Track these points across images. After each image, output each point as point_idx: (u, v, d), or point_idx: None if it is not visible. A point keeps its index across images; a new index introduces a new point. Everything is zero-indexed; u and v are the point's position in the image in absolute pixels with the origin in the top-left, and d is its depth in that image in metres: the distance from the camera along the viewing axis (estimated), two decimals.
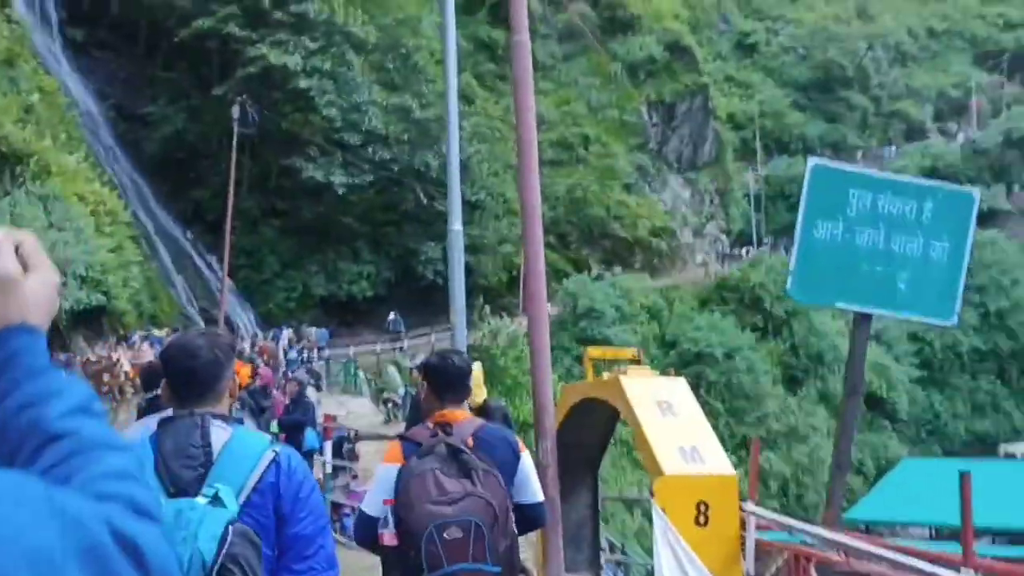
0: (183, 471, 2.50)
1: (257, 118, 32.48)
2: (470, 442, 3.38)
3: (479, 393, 9.81)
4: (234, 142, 30.68)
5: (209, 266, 37.16)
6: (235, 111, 30.48)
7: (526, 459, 3.57)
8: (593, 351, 8.57)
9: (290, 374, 19.21)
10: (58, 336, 23.34)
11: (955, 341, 52.34)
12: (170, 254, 36.90)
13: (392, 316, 37.17)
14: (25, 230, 1.08)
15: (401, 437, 3.68)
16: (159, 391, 3.37)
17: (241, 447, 2.60)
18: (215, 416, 2.64)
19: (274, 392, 11.17)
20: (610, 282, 44.30)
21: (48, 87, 31.92)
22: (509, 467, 3.42)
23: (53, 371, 1.03)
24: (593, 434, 7.70)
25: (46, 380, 1.01)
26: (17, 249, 1.04)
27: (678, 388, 6.11)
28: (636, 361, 7.40)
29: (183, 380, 2.64)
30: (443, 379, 3.70)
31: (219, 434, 2.59)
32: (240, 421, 2.81)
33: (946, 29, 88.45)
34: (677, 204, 58.13)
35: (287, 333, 31.72)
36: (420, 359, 8.88)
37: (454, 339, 7.63)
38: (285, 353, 28.79)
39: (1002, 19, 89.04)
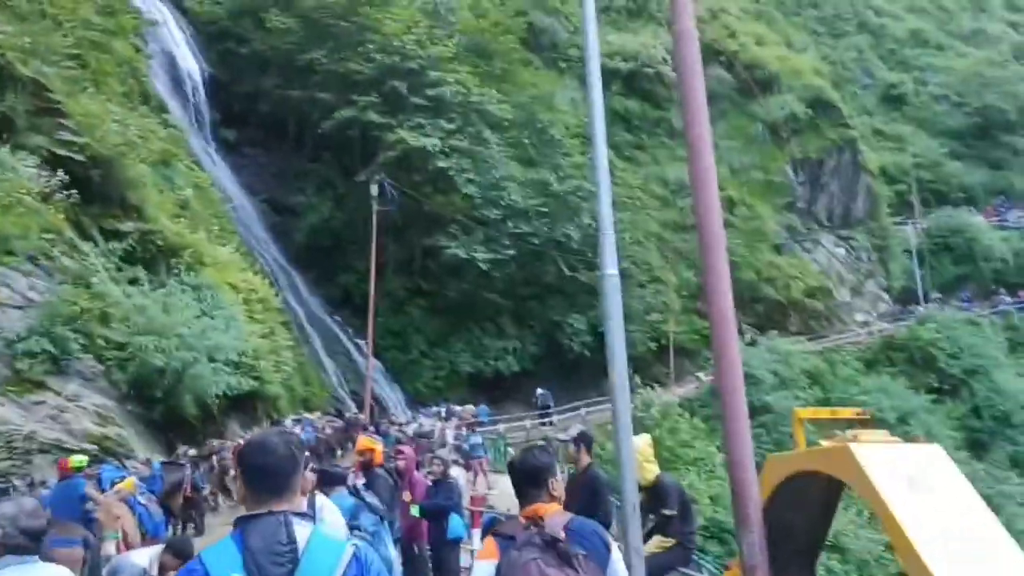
0: (273, 568, 2.62)
1: (396, 194, 32.71)
2: (562, 534, 3.38)
3: (649, 469, 8.62)
4: (374, 220, 30.83)
5: (359, 349, 37.38)
6: (374, 189, 30.80)
7: (616, 554, 3.53)
8: (803, 412, 7.21)
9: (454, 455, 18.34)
10: (212, 422, 23.56)
11: None
12: (321, 339, 37.35)
13: (540, 391, 36.38)
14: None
15: (494, 532, 3.65)
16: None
17: (323, 544, 2.75)
18: (294, 514, 2.74)
19: (416, 474, 10.41)
20: (767, 346, 42.16)
21: (202, 183, 33.21)
22: (601, 560, 3.40)
23: None
24: (808, 519, 6.05)
25: None
26: None
27: (934, 457, 4.71)
28: (865, 423, 5.98)
29: (260, 476, 2.71)
30: (523, 475, 3.73)
31: (302, 532, 2.72)
32: (312, 518, 2.96)
33: None
34: (831, 263, 55.36)
35: (439, 412, 31.19)
36: (574, 431, 7.87)
37: (614, 402, 6.61)
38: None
39: None
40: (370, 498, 7.74)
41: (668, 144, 54.16)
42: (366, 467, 9.18)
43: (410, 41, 39.39)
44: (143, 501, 11.31)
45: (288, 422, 25.33)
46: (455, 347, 38.78)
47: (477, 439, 24.33)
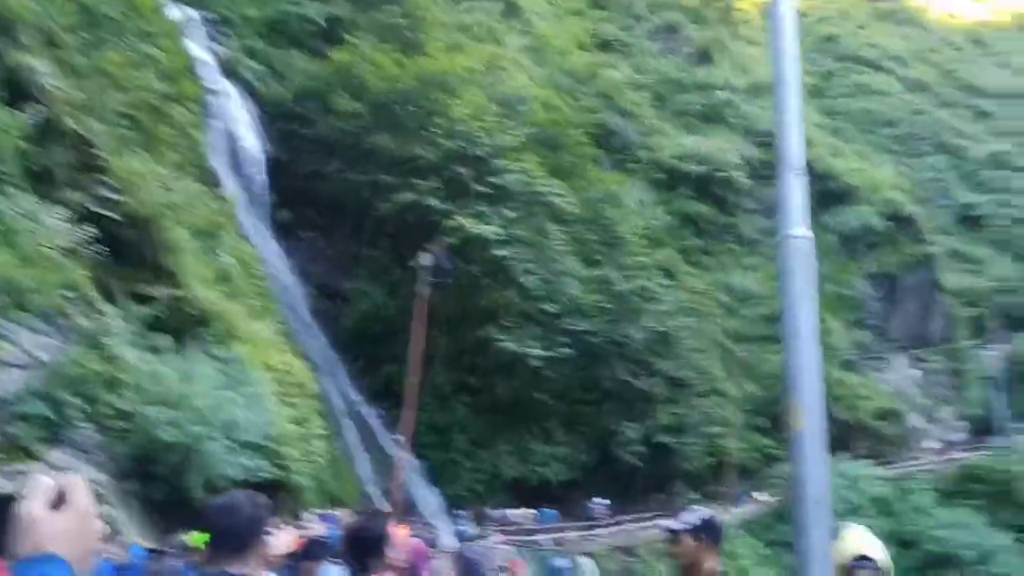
0: None
1: (452, 265, 30.85)
2: None
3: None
4: (423, 300, 28.91)
5: (397, 444, 35.23)
6: (426, 258, 28.87)
7: None
8: None
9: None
10: None
11: None
12: (358, 431, 35.33)
13: (597, 500, 34.05)
14: (75, 474, 1.40)
15: None
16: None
17: None
18: None
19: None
20: (835, 469, 38.92)
21: (247, 256, 31.98)
22: None
23: None
24: None
25: None
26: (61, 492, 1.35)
27: None
28: None
29: (222, 536, 2.77)
30: (358, 543, 3.73)
31: None
32: None
33: None
34: (904, 385, 52.01)
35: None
36: (692, 516, 5.00)
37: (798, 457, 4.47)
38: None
39: None
40: None
41: (735, 251, 52.22)
42: None
43: (477, 127, 38.51)
44: None
45: (312, 517, 23.15)
46: (499, 449, 36.42)
47: (564, 562, 21.69)
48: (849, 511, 36.51)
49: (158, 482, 17.64)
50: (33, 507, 1.33)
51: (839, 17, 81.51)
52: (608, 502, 35.21)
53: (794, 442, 4.38)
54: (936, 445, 48.67)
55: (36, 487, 1.36)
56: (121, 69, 26.33)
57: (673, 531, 4.94)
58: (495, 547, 20.95)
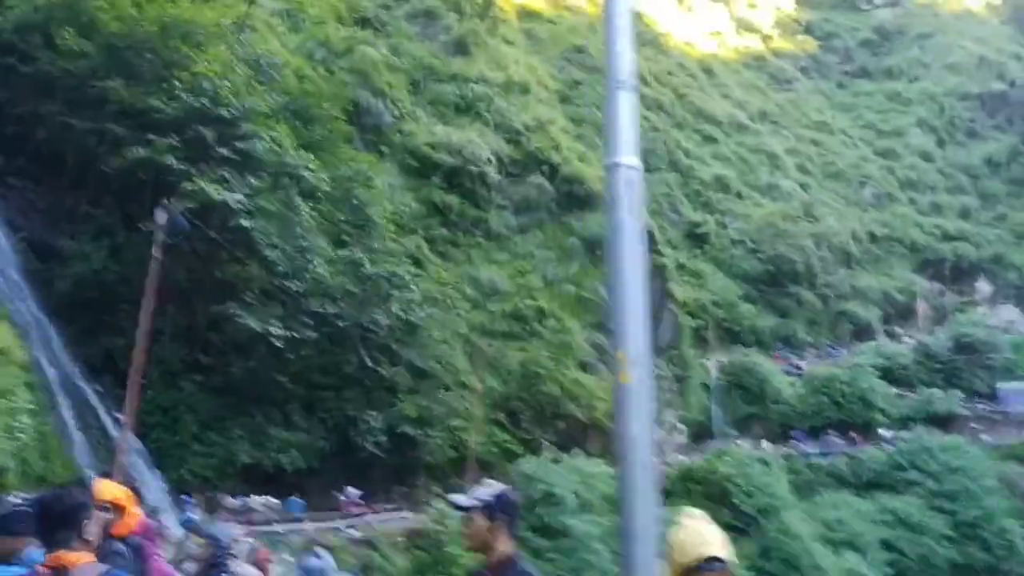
0: None
1: (189, 227, 27.96)
2: None
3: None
4: (158, 264, 25.91)
5: (117, 423, 31.59)
6: (161, 216, 25.93)
7: None
8: None
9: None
10: None
11: (930, 551, 48.63)
12: (74, 408, 31.29)
13: (352, 490, 33.78)
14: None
15: None
16: None
17: None
18: None
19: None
20: (569, 466, 39.85)
21: None
22: None
23: None
24: None
25: None
26: None
27: None
28: None
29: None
30: (51, 516, 3.54)
31: None
32: None
33: (887, 235, 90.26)
34: None
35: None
36: (484, 492, 4.03)
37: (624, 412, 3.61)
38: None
39: (939, 230, 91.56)
40: None
41: (484, 245, 52.37)
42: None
43: (224, 88, 35.53)
44: None
45: (8, 500, 19.84)
46: (233, 433, 33.73)
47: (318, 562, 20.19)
48: (582, 507, 37.53)
49: None
50: None
51: (588, 30, 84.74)
52: (361, 493, 33.69)
53: (618, 397, 3.86)
54: (660, 448, 51.29)
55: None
56: None
57: (463, 508, 4.30)
58: (236, 539, 18.97)
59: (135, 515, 6.36)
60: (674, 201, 75.58)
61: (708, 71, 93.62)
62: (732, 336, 68.27)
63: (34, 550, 4.64)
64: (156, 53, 36.24)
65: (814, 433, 58.46)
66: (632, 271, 3.82)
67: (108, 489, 6.18)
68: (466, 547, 4.40)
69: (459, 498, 4.32)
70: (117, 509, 5.99)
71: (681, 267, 69.63)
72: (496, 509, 4.28)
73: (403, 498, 37.91)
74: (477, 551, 4.33)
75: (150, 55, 36.14)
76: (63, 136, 35.89)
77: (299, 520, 31.17)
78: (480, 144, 54.56)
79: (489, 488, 4.33)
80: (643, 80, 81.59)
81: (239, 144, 35.58)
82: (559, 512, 36.41)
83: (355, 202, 41.46)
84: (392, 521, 34.72)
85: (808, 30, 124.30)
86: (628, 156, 3.93)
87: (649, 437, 3.70)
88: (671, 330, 58.52)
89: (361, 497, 35.13)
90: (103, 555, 5.39)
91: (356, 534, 30.69)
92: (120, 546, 5.85)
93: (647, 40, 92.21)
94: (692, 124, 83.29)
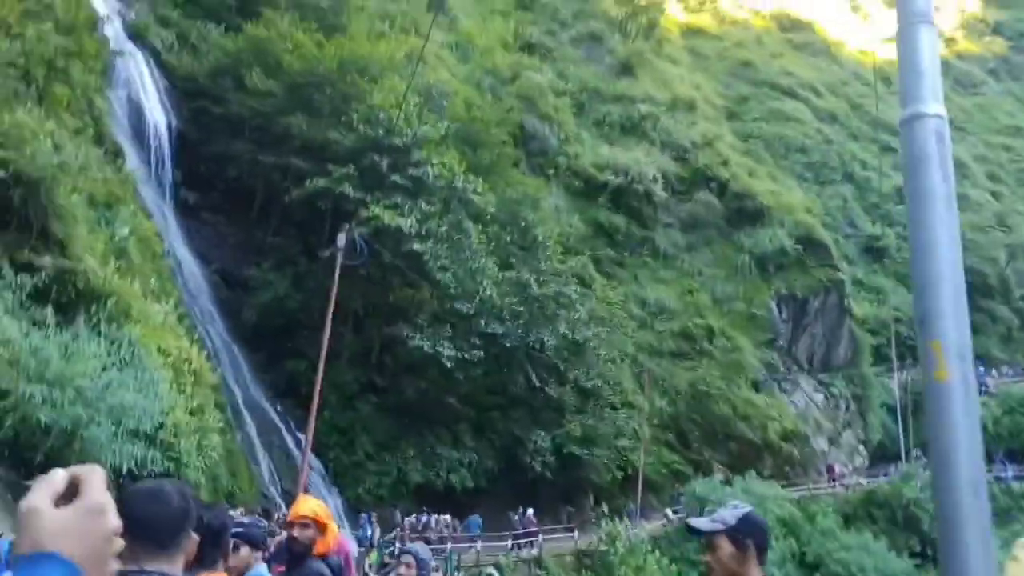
0: None
1: (368, 249, 29.16)
2: None
3: None
4: (335, 286, 27.13)
5: (299, 444, 33.32)
6: (340, 239, 27.10)
7: None
8: None
9: None
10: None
11: None
12: (258, 428, 33.24)
13: (528, 510, 33.84)
14: (94, 467, 1.22)
15: None
16: None
17: None
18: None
19: None
20: (742, 487, 38.69)
21: (147, 234, 29.70)
22: None
23: None
24: None
25: None
26: (72, 485, 1.18)
27: None
28: None
29: (141, 528, 2.36)
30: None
31: None
32: None
33: None
34: (809, 408, 52.46)
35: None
36: (728, 514, 3.36)
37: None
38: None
39: None
40: None
41: (651, 265, 51.92)
42: (297, 553, 5.48)
43: (397, 117, 36.94)
44: None
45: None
46: (406, 453, 34.79)
47: None
48: None
49: (35, 469, 15.63)
50: (35, 500, 1.15)
51: (755, 44, 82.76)
52: (532, 511, 33.99)
53: (933, 397, 3.03)
54: (839, 470, 49.09)
55: (44, 479, 1.17)
56: (11, 14, 23.95)
57: (704, 533, 3.47)
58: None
59: (335, 533, 5.84)
60: (850, 214, 72.40)
61: (885, 79, 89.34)
62: (915, 354, 64.49)
63: (262, 567, 4.69)
64: (335, 88, 38.18)
65: (1011, 456, 54.31)
66: (946, 243, 3.11)
67: (308, 504, 5.72)
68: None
69: (699, 521, 3.55)
70: (318, 526, 5.50)
71: (859, 283, 66.49)
72: (743, 533, 3.47)
73: (570, 518, 37.92)
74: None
75: (329, 90, 38.10)
76: (252, 172, 38.39)
77: (475, 539, 31.66)
78: (646, 163, 54.28)
79: (733, 509, 3.62)
80: (815, 91, 79.00)
81: (411, 171, 36.88)
82: None
83: (522, 224, 42.11)
84: (561, 541, 34.79)
85: (996, 30, 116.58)
86: (933, 104, 3.24)
87: (978, 448, 2.89)
88: (850, 348, 56.01)
89: (535, 516, 35.33)
90: (301, 572, 5.49)
91: (527, 553, 30.94)
92: (322, 566, 5.42)
93: (819, 50, 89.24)
94: (868, 134, 79.61)
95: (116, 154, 32.38)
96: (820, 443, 51.66)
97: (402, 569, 6.71)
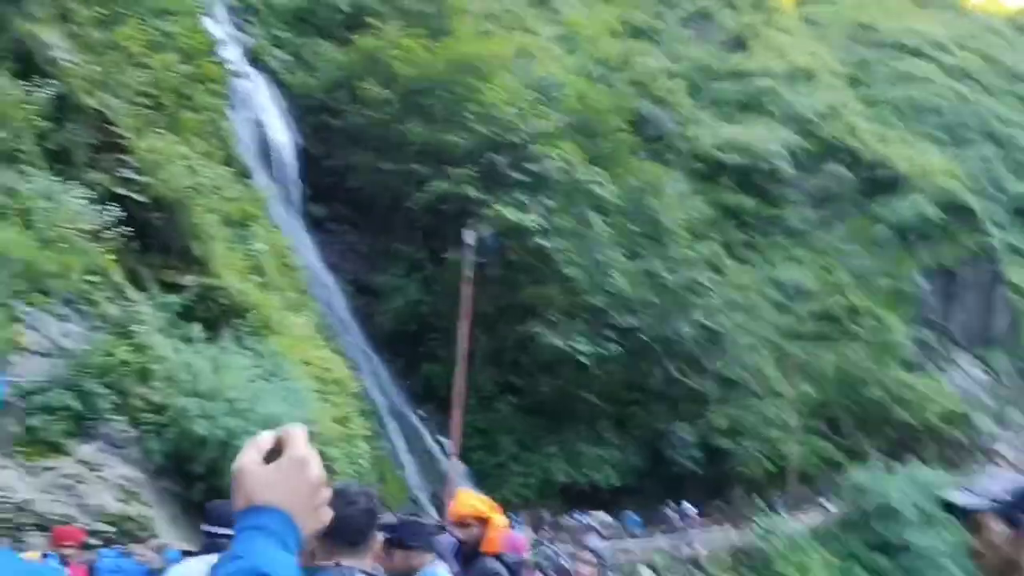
0: None
1: (497, 244, 28.78)
2: None
3: None
4: (469, 284, 26.76)
5: (441, 447, 33.24)
6: (467, 236, 26.72)
7: None
8: None
9: None
10: None
11: None
12: (402, 433, 33.36)
13: (686, 504, 33.24)
14: (296, 425, 1.29)
15: None
16: None
17: None
18: (363, 572, 2.61)
19: None
20: (905, 476, 36.44)
21: (281, 248, 30.12)
22: None
23: (278, 553, 1.18)
24: None
25: (267, 557, 1.16)
26: (278, 444, 1.26)
27: None
28: None
29: (335, 527, 2.08)
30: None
31: None
32: None
33: None
34: (969, 387, 49.30)
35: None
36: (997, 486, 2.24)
37: None
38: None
39: None
40: None
41: (783, 244, 49.91)
42: (468, 551, 5.06)
43: (512, 113, 36.59)
44: None
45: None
46: (548, 452, 34.27)
47: None
48: (923, 521, 34.16)
49: (195, 480, 15.75)
50: (244, 459, 1.25)
51: (874, 5, 79.02)
52: (696, 509, 32.98)
53: None
54: (1009, 451, 45.86)
55: (252, 441, 1.27)
56: (139, 45, 24.52)
57: (966, 511, 2.68)
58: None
59: (501, 528, 5.34)
60: (995, 175, 67.83)
61: (1020, 28, 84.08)
62: None
63: (439, 567, 4.28)
64: (447, 90, 38.11)
65: None
66: None
67: (467, 501, 5.38)
68: (980, 566, 2.74)
69: (961, 495, 2.75)
70: (481, 523, 5.13)
71: (1012, 248, 62.06)
72: (1020, 510, 2.69)
73: (721, 513, 36.58)
74: (995, 572, 2.81)
75: (442, 93, 38.07)
76: (373, 180, 38.62)
77: (633, 536, 30.83)
78: (769, 139, 52.31)
79: (1002, 480, 2.67)
80: (942, 47, 74.66)
81: (530, 166, 36.43)
82: (898, 527, 33.53)
83: (647, 212, 41.12)
84: (715, 538, 33.54)
85: None
86: None
87: None
88: (1007, 318, 52.46)
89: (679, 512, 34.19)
90: (475, 571, 4.95)
91: (685, 550, 29.88)
92: (496, 564, 5.02)
93: (945, 3, 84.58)
94: (1006, 88, 74.72)
95: (244, 173, 33.07)
96: (985, 423, 48.36)
97: (584, 568, 6.35)
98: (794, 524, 33.93)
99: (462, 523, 5.10)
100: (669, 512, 32.90)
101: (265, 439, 1.27)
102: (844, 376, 43.56)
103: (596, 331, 35.58)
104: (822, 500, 38.36)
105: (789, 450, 38.02)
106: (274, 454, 1.25)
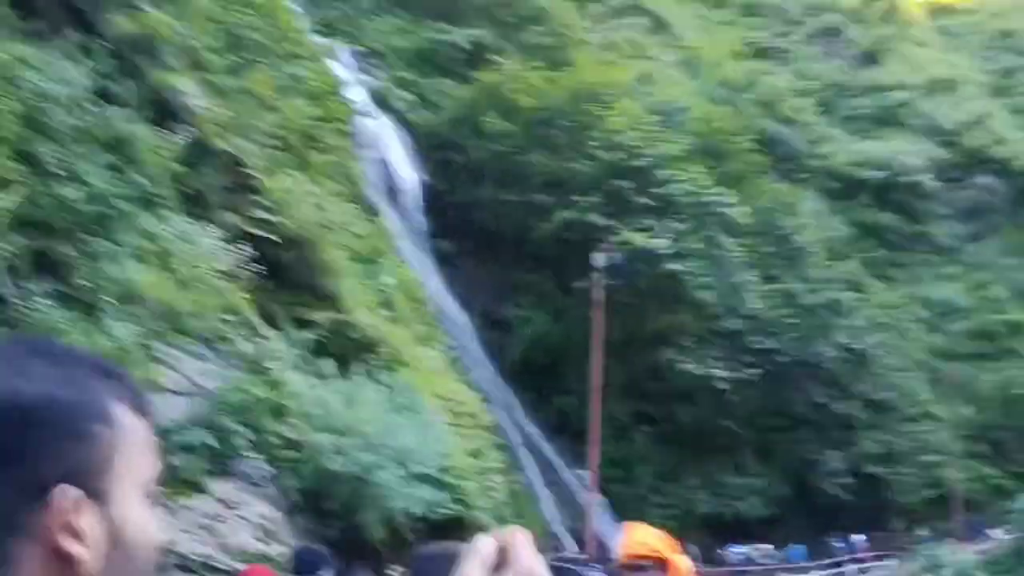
0: None
1: (627, 265, 28.09)
2: None
3: None
4: (601, 309, 26.10)
5: (578, 480, 32.53)
6: (597, 259, 26.10)
7: None
8: None
9: None
10: (405, 549, 19.17)
11: None
12: (537, 466, 32.84)
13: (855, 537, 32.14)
14: (517, 528, 1.11)
15: None
16: None
17: None
18: None
19: None
20: None
21: (409, 283, 30.23)
22: None
23: None
24: None
25: None
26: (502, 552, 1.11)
27: None
28: None
29: None
30: None
31: None
32: None
33: None
34: None
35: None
36: None
37: None
38: None
39: None
40: None
41: (931, 261, 47.29)
42: None
43: (636, 138, 35.95)
44: None
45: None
46: (689, 482, 33.07)
47: None
48: None
49: (332, 518, 15.56)
50: (469, 572, 1.07)
51: (1014, 10, 74.82)
52: (864, 537, 31.20)
53: None
54: None
55: (472, 548, 1.09)
56: (268, 90, 25.20)
57: None
58: None
59: (685, 572, 4.58)
60: None
61: None
62: None
63: None
64: (569, 119, 37.87)
65: None
66: None
67: (642, 539, 4.41)
68: None
69: None
70: (659, 564, 4.20)
71: None
72: None
73: (878, 544, 34.39)
74: None
75: (564, 122, 37.85)
76: (497, 213, 38.58)
77: (793, 570, 29.25)
78: (909, 153, 49.85)
79: None
80: None
81: (657, 190, 35.68)
82: None
83: (781, 232, 39.65)
84: (874, 570, 31.47)
85: None
86: None
87: None
88: None
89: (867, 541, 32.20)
90: None
91: None
92: None
93: None
94: None
95: (372, 211, 33.56)
96: None
97: None
98: (961, 555, 31.46)
99: (634, 565, 4.35)
100: (835, 544, 31.05)
101: (488, 548, 1.07)
102: (1006, 396, 40.61)
103: (732, 356, 34.38)
104: (988, 529, 35.57)
105: (949, 476, 35.49)
106: (499, 564, 1.08)
